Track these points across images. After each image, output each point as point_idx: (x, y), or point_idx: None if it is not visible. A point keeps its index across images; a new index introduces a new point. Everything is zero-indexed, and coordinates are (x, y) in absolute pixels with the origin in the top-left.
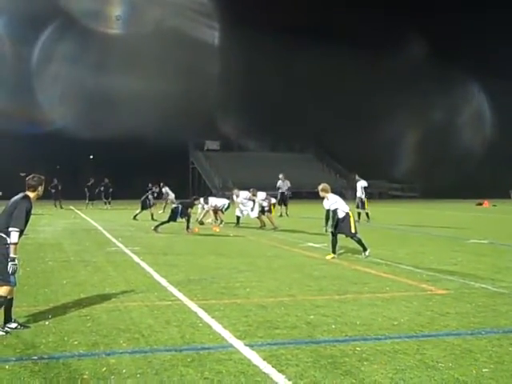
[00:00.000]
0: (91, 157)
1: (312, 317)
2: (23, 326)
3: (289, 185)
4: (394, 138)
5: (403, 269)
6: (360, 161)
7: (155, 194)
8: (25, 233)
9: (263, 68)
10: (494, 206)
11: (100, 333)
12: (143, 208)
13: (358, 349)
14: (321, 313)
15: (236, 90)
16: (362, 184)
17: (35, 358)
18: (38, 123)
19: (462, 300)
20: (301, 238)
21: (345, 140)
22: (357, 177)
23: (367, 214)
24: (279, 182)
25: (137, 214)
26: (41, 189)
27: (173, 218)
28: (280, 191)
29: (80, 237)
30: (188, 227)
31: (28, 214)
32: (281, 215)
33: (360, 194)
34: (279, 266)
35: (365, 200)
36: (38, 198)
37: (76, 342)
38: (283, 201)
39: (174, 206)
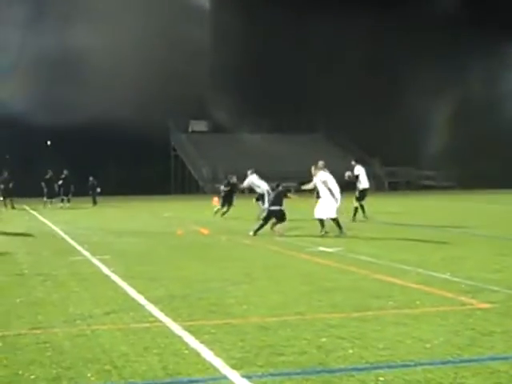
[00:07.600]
0: (48, 143)
1: (324, 340)
2: None
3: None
4: (424, 115)
5: (437, 278)
6: (381, 143)
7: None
8: None
9: (261, 34)
10: None
11: (62, 364)
12: (229, 204)
13: (381, 378)
14: (335, 334)
15: (229, 59)
16: (357, 171)
17: None
18: None
19: (510, 316)
20: (309, 241)
21: (362, 117)
22: (352, 162)
23: (361, 207)
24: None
25: (225, 212)
26: None
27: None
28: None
29: (36, 244)
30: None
31: None
32: None
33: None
34: (283, 276)
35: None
36: None
37: (33, 377)
38: None
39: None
